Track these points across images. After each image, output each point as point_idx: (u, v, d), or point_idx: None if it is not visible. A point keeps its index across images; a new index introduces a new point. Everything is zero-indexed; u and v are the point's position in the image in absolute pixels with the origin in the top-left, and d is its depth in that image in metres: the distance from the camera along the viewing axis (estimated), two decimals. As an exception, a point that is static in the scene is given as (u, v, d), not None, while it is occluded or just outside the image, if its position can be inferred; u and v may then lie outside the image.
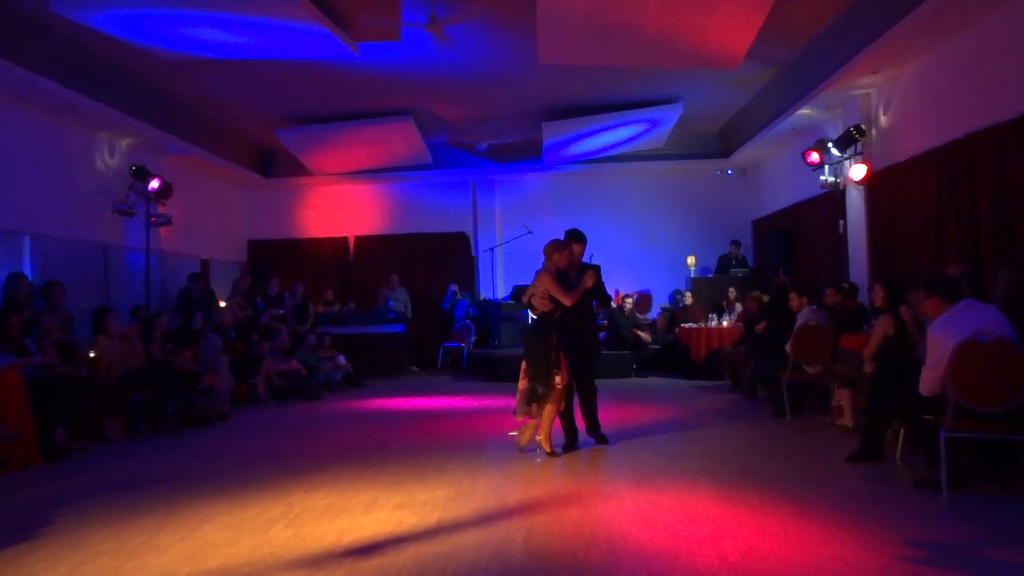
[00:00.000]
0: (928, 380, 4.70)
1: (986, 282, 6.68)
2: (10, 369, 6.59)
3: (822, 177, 10.33)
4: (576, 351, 6.40)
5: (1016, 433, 4.48)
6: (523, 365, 6.25)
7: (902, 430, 5.58)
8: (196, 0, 7.11)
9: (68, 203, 9.76)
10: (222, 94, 10.83)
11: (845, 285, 8.54)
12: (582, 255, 6.65)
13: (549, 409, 6.17)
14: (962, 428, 4.57)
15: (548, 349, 6.10)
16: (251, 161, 13.86)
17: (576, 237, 6.61)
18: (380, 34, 8.50)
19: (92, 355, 8.02)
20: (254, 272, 14.01)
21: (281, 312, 12.38)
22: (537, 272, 6.39)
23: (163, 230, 11.54)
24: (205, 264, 13.33)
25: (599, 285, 6.65)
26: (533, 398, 6.10)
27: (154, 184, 10.78)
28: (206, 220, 13.50)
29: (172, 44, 8.12)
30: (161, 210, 11.21)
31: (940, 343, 4.60)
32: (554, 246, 6.39)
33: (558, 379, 6.12)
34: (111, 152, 10.64)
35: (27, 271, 8.75)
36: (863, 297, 8.60)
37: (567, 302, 6.21)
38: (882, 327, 6.10)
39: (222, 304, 11.74)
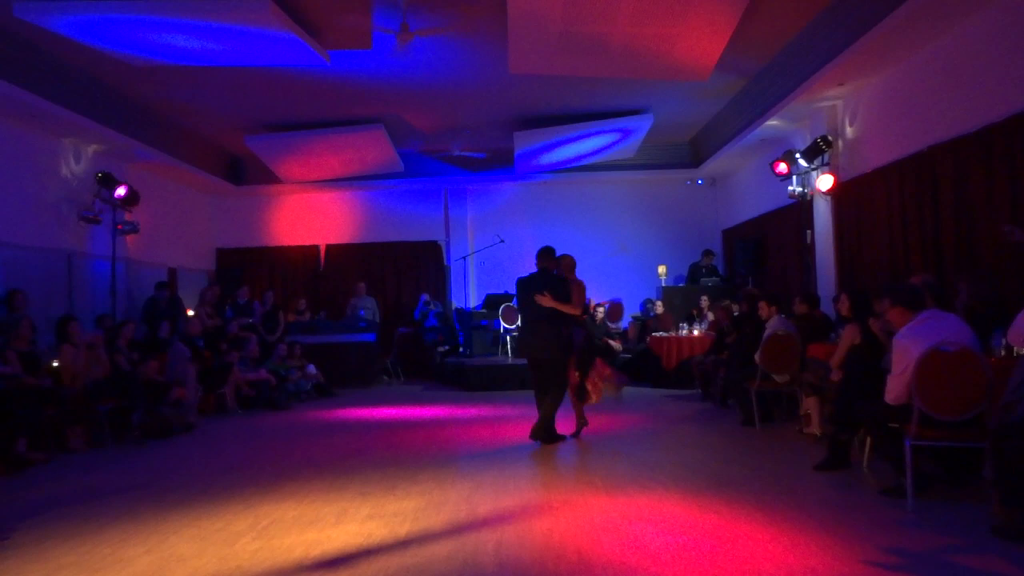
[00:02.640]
0: (893, 389, 4.76)
1: (949, 292, 6.80)
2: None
3: (790, 187, 10.47)
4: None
5: (979, 441, 4.54)
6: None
7: (869, 438, 5.65)
8: (164, 5, 7.04)
9: (32, 210, 9.58)
10: (191, 100, 10.72)
11: (810, 295, 8.62)
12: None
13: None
14: (927, 436, 4.64)
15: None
16: (220, 168, 13.73)
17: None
18: (351, 41, 8.48)
19: (56, 364, 7.87)
20: (223, 280, 13.85)
21: (250, 321, 12.26)
22: (569, 281, 7.15)
23: (130, 238, 11.38)
24: (173, 272, 13.16)
25: None
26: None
27: (121, 191, 10.63)
28: (174, 228, 13.34)
29: (139, 50, 8.03)
30: (128, 217, 11.06)
31: (905, 352, 4.66)
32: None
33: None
34: (77, 158, 10.48)
35: (-11, 279, 8.60)
36: (827, 307, 8.70)
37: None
38: (848, 336, 6.17)
39: (190, 313, 11.60)
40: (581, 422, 7.43)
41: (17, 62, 8.11)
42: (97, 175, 10.54)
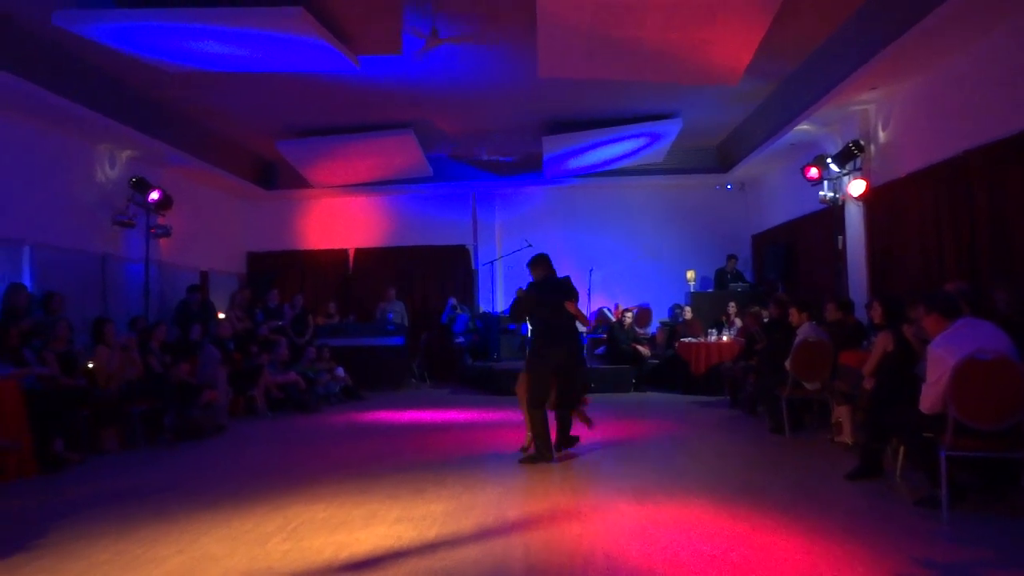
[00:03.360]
0: (928, 397, 4.70)
1: (985, 299, 6.69)
2: (8, 379, 6.59)
3: (821, 192, 10.36)
4: None
5: (1016, 451, 4.47)
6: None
7: (902, 447, 5.57)
8: (198, 14, 7.14)
9: (68, 214, 9.77)
10: (223, 106, 10.86)
11: (841, 301, 8.52)
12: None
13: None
14: (962, 446, 4.56)
15: None
16: (251, 173, 13.88)
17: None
18: (381, 47, 8.53)
19: (90, 366, 8.00)
20: (254, 284, 13.99)
21: (280, 324, 12.37)
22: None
23: (162, 241, 11.55)
24: (204, 275, 13.32)
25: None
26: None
27: (154, 195, 10.79)
28: (206, 231, 13.50)
29: (174, 57, 8.14)
30: (161, 221, 11.22)
31: (940, 360, 4.60)
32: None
33: None
34: (111, 163, 10.66)
35: (26, 281, 8.76)
36: (860, 313, 8.61)
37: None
38: (882, 344, 6.10)
39: (221, 316, 11.73)
40: (587, 421, 7.21)
41: (55, 69, 8.27)
42: (131, 180, 10.71)
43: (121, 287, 10.81)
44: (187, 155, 11.29)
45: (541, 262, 6.97)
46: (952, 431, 4.52)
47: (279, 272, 15.02)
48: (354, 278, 15.42)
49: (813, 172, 10.41)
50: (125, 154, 10.83)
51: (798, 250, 12.25)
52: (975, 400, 4.48)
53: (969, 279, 7.16)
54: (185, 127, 11.24)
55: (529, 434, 6.77)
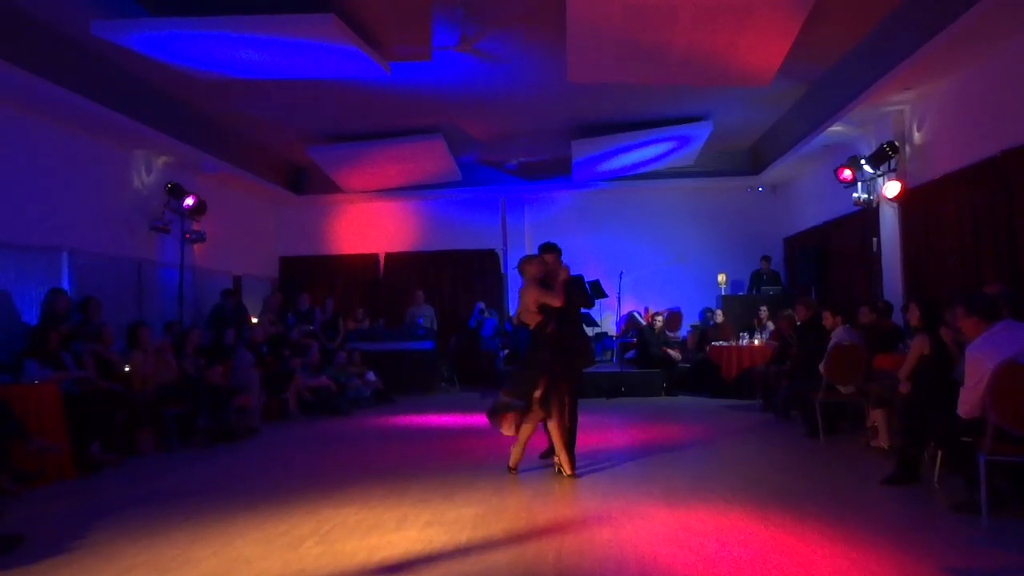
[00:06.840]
0: (967, 402, 4.62)
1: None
2: (48, 383, 6.71)
3: (855, 194, 10.23)
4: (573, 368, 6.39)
5: (1058, 457, 4.38)
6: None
7: (939, 452, 5.48)
8: (231, 22, 7.23)
9: (105, 220, 9.92)
10: (255, 112, 10.99)
11: (880, 304, 8.42)
12: (557, 264, 6.53)
13: (527, 428, 6.13)
14: (1002, 451, 4.48)
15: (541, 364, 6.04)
16: (283, 178, 14.03)
17: (547, 248, 6.70)
18: (411, 53, 8.59)
19: (127, 369, 8.13)
20: (285, 288, 14.12)
21: (311, 328, 12.47)
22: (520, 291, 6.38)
23: (197, 246, 11.68)
24: (237, 280, 13.47)
25: (578, 288, 6.67)
26: (503, 409, 5.99)
27: (189, 201, 10.93)
28: (239, 236, 13.65)
29: (208, 64, 8.26)
30: (195, 227, 11.36)
31: (979, 364, 4.52)
32: (525, 260, 6.49)
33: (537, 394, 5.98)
34: (147, 170, 10.82)
35: (65, 286, 8.91)
36: (897, 316, 8.49)
37: (556, 302, 6.06)
38: (918, 347, 6.01)
39: (254, 320, 11.85)
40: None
41: (93, 77, 8.43)
42: (167, 186, 10.86)
43: (156, 291, 10.96)
44: (220, 161, 11.44)
45: (549, 252, 6.71)
46: (991, 436, 4.43)
47: (311, 276, 15.14)
48: (384, 282, 15.50)
49: (846, 174, 10.29)
50: (160, 160, 11.00)
51: (831, 253, 12.10)
52: (1015, 404, 4.39)
53: (1009, 281, 7.03)
54: (218, 133, 11.39)
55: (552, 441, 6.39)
